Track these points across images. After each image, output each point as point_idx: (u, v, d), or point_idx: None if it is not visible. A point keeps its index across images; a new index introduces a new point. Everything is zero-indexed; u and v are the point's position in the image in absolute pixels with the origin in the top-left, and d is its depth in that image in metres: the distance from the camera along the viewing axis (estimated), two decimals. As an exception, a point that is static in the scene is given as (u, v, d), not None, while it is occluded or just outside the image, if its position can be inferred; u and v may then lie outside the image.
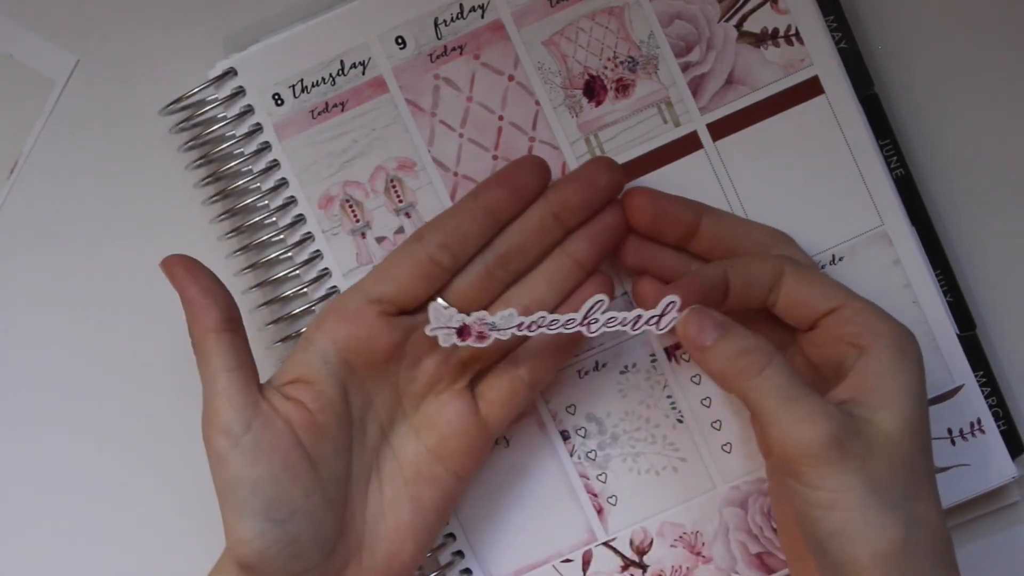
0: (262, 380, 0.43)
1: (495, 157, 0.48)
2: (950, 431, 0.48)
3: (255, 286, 0.48)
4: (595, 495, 0.48)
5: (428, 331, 0.42)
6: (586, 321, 0.42)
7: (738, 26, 0.47)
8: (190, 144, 0.48)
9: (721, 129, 0.48)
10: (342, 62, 0.47)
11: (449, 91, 0.47)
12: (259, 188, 0.48)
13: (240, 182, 0.48)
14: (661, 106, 0.48)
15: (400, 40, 0.47)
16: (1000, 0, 0.49)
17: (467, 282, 0.44)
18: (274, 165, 0.47)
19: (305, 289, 0.48)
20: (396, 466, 0.45)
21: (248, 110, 0.47)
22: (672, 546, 0.48)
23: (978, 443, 0.48)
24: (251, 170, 0.47)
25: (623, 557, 0.49)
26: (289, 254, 0.48)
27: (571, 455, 0.48)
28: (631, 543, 0.49)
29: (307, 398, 0.43)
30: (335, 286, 0.48)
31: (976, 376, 0.48)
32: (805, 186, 0.48)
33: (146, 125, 0.49)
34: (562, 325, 0.42)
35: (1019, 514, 0.50)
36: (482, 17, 0.47)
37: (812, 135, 0.47)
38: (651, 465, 0.48)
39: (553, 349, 0.45)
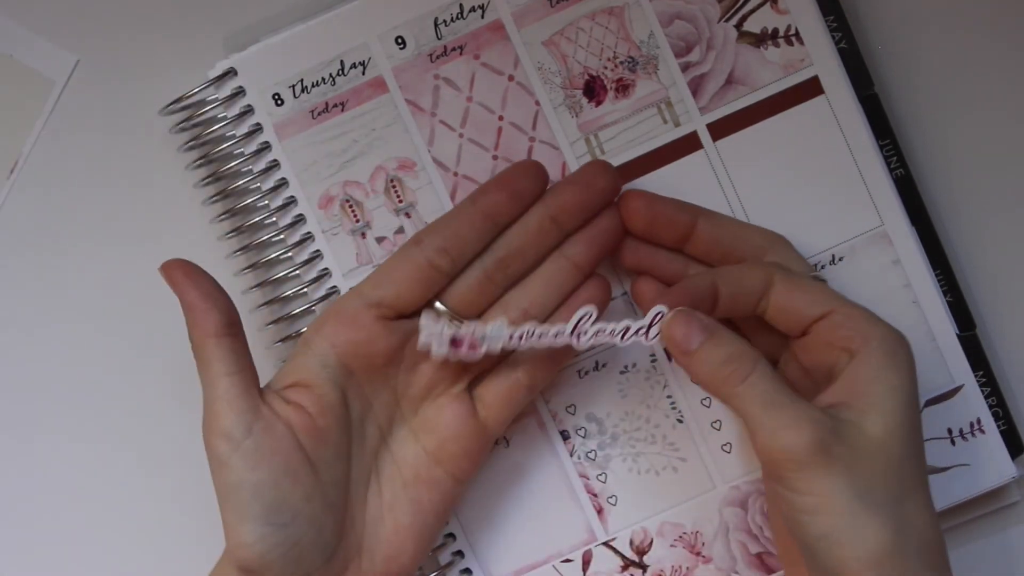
0: (262, 382, 0.43)
1: (495, 157, 0.48)
2: (950, 431, 0.48)
3: (255, 286, 0.48)
4: (595, 495, 0.48)
5: (420, 341, 0.42)
6: (575, 333, 0.42)
7: (738, 26, 0.47)
8: (190, 144, 0.48)
9: (721, 129, 0.48)
10: (342, 62, 0.47)
11: (449, 91, 0.47)
12: (259, 188, 0.48)
13: (240, 182, 0.48)
14: (661, 106, 0.48)
15: (400, 40, 0.47)
16: (1000, 0, 0.49)
17: (466, 286, 0.44)
18: (274, 165, 0.47)
19: (305, 289, 0.48)
20: (395, 469, 0.45)
21: (248, 110, 0.47)
22: (672, 546, 0.48)
23: (978, 443, 0.48)
24: (251, 170, 0.47)
25: (623, 557, 0.49)
26: (289, 254, 0.48)
27: (571, 455, 0.48)
28: (631, 543, 0.49)
29: (307, 402, 0.43)
30: (335, 286, 0.48)
31: (976, 376, 0.48)
32: (805, 186, 0.48)
33: (146, 125, 0.49)
34: (552, 336, 0.42)
35: (1019, 514, 0.50)
36: (482, 17, 0.47)
37: (812, 135, 0.47)
38: (651, 465, 0.48)
39: (551, 352, 0.45)
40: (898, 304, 0.48)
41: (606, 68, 0.48)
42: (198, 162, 0.48)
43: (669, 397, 0.48)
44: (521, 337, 0.42)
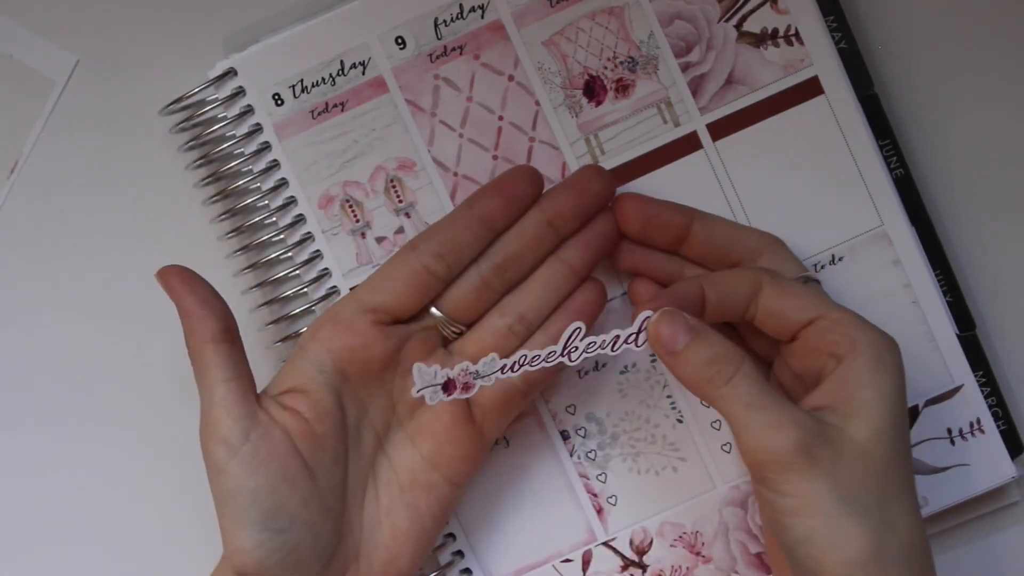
0: (262, 382, 0.43)
1: (495, 157, 0.48)
2: (950, 431, 0.48)
3: (255, 286, 0.48)
4: (595, 495, 0.48)
5: (414, 393, 0.42)
6: (566, 351, 0.42)
7: (738, 26, 0.47)
8: (190, 144, 0.48)
9: (721, 129, 0.48)
10: (342, 62, 0.47)
11: (449, 91, 0.47)
12: (259, 188, 0.48)
13: (240, 182, 0.48)
14: (661, 106, 0.48)
15: (400, 40, 0.47)
16: (1000, 0, 0.49)
17: (462, 291, 0.44)
18: (274, 165, 0.47)
19: (305, 289, 0.48)
20: (392, 474, 0.45)
21: (248, 110, 0.47)
22: (672, 546, 0.48)
23: (978, 443, 0.48)
24: (251, 170, 0.48)
25: (623, 557, 0.49)
26: (289, 254, 0.48)
27: (571, 455, 0.48)
28: (631, 543, 0.49)
29: (304, 407, 0.43)
30: (335, 286, 0.48)
31: (976, 376, 0.48)
32: (805, 186, 0.48)
33: (146, 125, 0.49)
34: (544, 359, 0.42)
35: (1019, 514, 0.50)
36: (482, 17, 0.47)
37: (812, 135, 0.47)
38: (651, 465, 0.48)
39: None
40: (898, 304, 0.48)
41: (606, 68, 0.48)
42: (198, 162, 0.48)
43: (669, 397, 0.48)
44: (514, 367, 0.42)
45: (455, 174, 0.48)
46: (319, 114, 0.47)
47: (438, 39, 0.47)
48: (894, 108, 0.49)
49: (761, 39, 0.47)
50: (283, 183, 0.47)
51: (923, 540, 0.40)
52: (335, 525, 0.43)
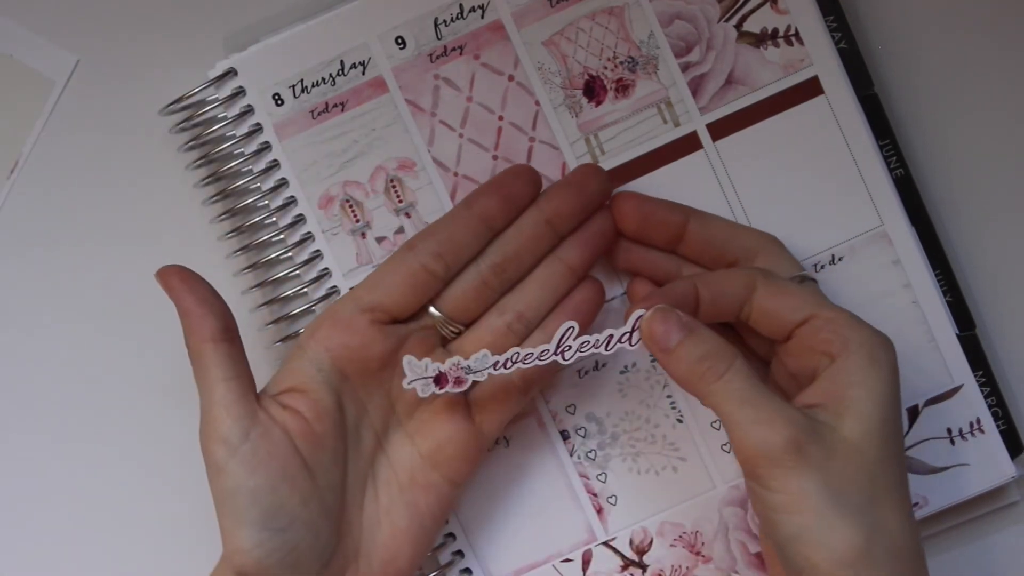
0: (262, 382, 0.43)
1: (495, 157, 0.48)
2: (950, 431, 0.48)
3: (255, 286, 0.48)
4: (595, 495, 0.48)
5: (405, 384, 0.42)
6: (559, 350, 0.42)
7: (738, 26, 0.47)
8: (190, 144, 0.48)
9: (721, 129, 0.48)
10: (342, 62, 0.47)
11: (449, 91, 0.47)
12: (259, 188, 0.48)
13: (240, 182, 0.48)
14: (661, 106, 0.48)
15: (400, 40, 0.47)
16: (1000, 0, 0.49)
17: (461, 290, 0.44)
18: (274, 165, 0.47)
19: (305, 289, 0.48)
20: (391, 473, 0.45)
21: (248, 110, 0.47)
22: (672, 546, 0.49)
23: (978, 443, 0.48)
24: (251, 170, 0.48)
25: (623, 557, 0.49)
26: (289, 254, 0.48)
27: (571, 455, 0.48)
28: (631, 543, 0.49)
29: (303, 407, 0.43)
30: (335, 286, 0.48)
31: (976, 376, 0.48)
32: (805, 186, 0.48)
33: (146, 125, 0.49)
34: (537, 357, 0.42)
35: (1019, 514, 0.51)
36: (482, 17, 0.47)
37: (812, 135, 0.47)
38: (651, 465, 0.48)
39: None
40: (898, 304, 0.48)
41: (606, 68, 0.48)
42: (198, 162, 0.48)
43: (669, 397, 0.48)
44: (506, 363, 0.42)
45: (455, 174, 0.48)
46: (319, 114, 0.47)
47: (438, 39, 0.47)
48: (894, 108, 0.49)
49: (761, 39, 0.47)
50: (283, 183, 0.47)
51: (915, 539, 0.40)
52: (334, 524, 0.43)
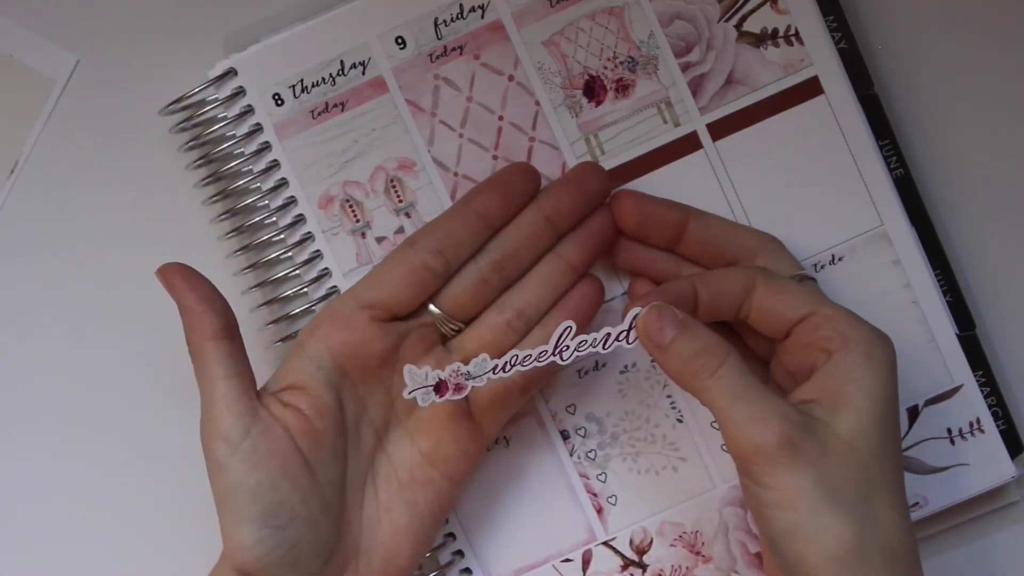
0: (261, 383, 0.43)
1: (495, 157, 0.48)
2: (949, 431, 0.48)
3: (255, 286, 0.48)
4: (595, 495, 0.48)
5: (406, 394, 0.42)
6: (557, 350, 0.42)
7: (738, 26, 0.47)
8: (190, 144, 0.48)
9: (721, 129, 0.48)
10: (342, 62, 0.47)
11: (449, 91, 0.47)
12: (259, 188, 0.48)
13: (240, 182, 0.48)
14: (661, 106, 0.48)
15: (400, 40, 0.47)
16: (1000, 1, 0.49)
17: (460, 288, 0.45)
18: (274, 165, 0.47)
19: (305, 289, 0.48)
20: (391, 471, 0.45)
21: (248, 110, 0.47)
22: (672, 545, 0.49)
23: (977, 443, 0.48)
24: (251, 170, 0.48)
25: (623, 557, 0.49)
26: (289, 254, 0.48)
27: (571, 455, 0.48)
28: (631, 543, 0.49)
29: (303, 404, 0.43)
30: (335, 286, 0.48)
31: (975, 376, 0.48)
32: (805, 186, 0.48)
33: (146, 125, 0.49)
34: (535, 359, 0.42)
35: (1019, 514, 0.51)
36: (482, 17, 0.47)
37: (812, 135, 0.47)
38: (651, 465, 0.48)
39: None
40: (898, 304, 0.48)
41: (606, 68, 0.48)
42: (198, 162, 0.48)
43: (669, 397, 0.48)
44: (505, 367, 0.42)
45: (455, 174, 0.48)
46: (319, 114, 0.47)
47: (438, 39, 0.47)
48: (894, 108, 0.49)
49: (761, 39, 0.47)
50: (283, 183, 0.47)
51: (909, 537, 0.40)
52: (335, 522, 0.43)
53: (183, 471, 0.46)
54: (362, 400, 0.44)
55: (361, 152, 0.48)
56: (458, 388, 0.42)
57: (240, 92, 0.47)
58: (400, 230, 0.48)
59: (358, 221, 0.48)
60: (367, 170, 0.48)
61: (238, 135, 0.47)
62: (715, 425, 0.48)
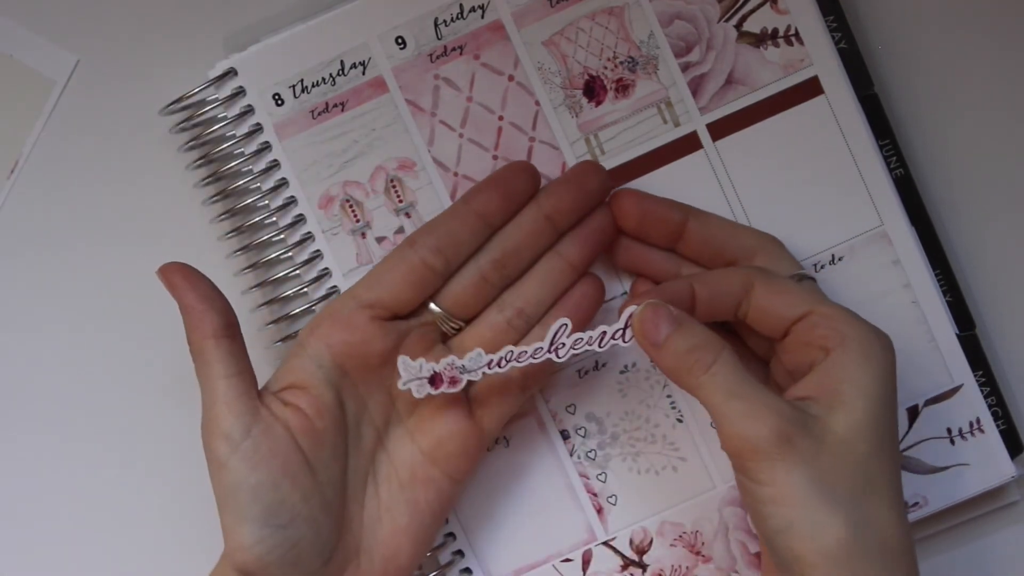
0: (260, 383, 0.43)
1: (495, 157, 0.48)
2: (949, 431, 0.48)
3: (255, 286, 0.48)
4: (595, 495, 0.49)
5: (400, 385, 0.42)
6: (553, 347, 0.42)
7: (738, 26, 0.47)
8: (190, 144, 0.48)
9: (721, 129, 0.48)
10: (342, 62, 0.47)
11: (449, 91, 0.47)
12: (259, 188, 0.48)
13: (240, 182, 0.48)
14: (661, 106, 0.48)
15: (400, 40, 0.47)
16: (1000, 1, 0.49)
17: (461, 286, 0.45)
18: (274, 165, 0.47)
19: (305, 289, 0.48)
20: (392, 470, 0.45)
21: (248, 110, 0.47)
22: (672, 545, 0.49)
23: (977, 442, 0.48)
24: (251, 170, 0.48)
25: (623, 556, 0.49)
26: (289, 254, 0.48)
27: (571, 455, 0.48)
28: (631, 542, 0.49)
29: (304, 403, 0.43)
30: (335, 286, 0.48)
31: (975, 376, 0.48)
32: (805, 186, 0.48)
33: (146, 125, 0.49)
34: (531, 355, 0.42)
35: (1019, 514, 0.51)
36: (482, 17, 0.47)
37: (812, 135, 0.48)
38: (651, 465, 0.48)
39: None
40: (898, 304, 0.48)
41: (606, 68, 0.48)
42: (198, 162, 0.48)
43: (669, 397, 0.48)
44: (501, 362, 0.42)
45: (455, 174, 0.48)
46: (319, 114, 0.47)
47: (438, 39, 0.47)
48: (894, 108, 0.49)
49: (761, 39, 0.47)
50: (283, 183, 0.47)
51: (905, 536, 0.40)
52: (335, 521, 0.43)
53: (183, 471, 0.46)
54: (363, 399, 0.44)
55: (361, 152, 0.48)
56: (453, 381, 0.42)
57: (240, 92, 0.47)
58: (400, 230, 0.48)
59: (358, 221, 0.48)
60: (367, 170, 0.48)
61: (238, 135, 0.47)
62: (715, 425, 0.48)
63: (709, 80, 0.47)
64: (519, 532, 0.48)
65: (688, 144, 0.48)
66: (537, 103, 0.48)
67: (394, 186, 0.48)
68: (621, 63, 0.48)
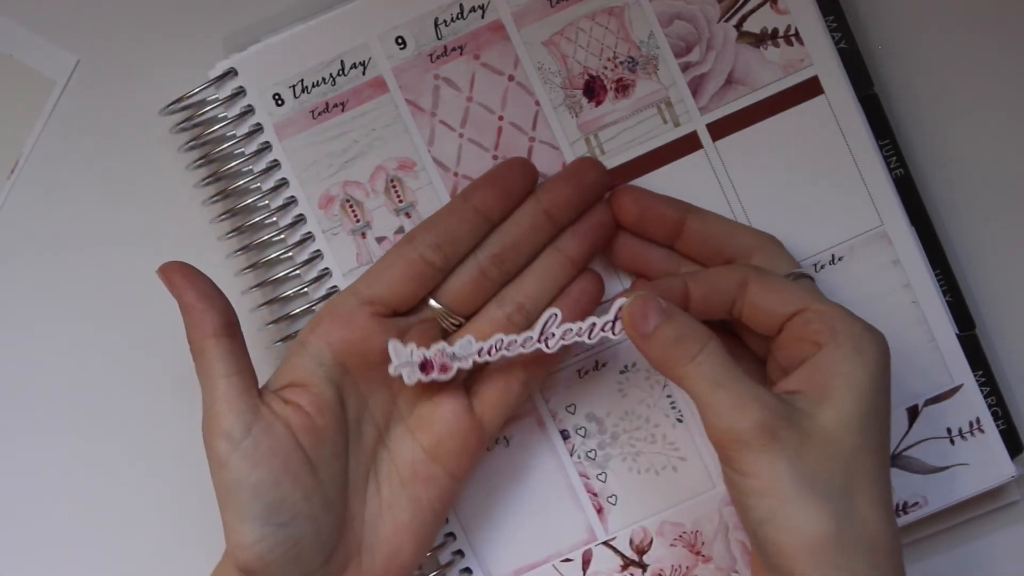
0: (260, 383, 0.43)
1: (495, 157, 0.48)
2: (949, 431, 0.48)
3: (255, 286, 0.48)
4: (595, 494, 0.49)
5: (391, 370, 0.42)
6: (543, 337, 0.42)
7: (738, 26, 0.47)
8: (191, 144, 0.48)
9: (721, 129, 0.48)
10: (342, 62, 0.47)
11: (449, 91, 0.48)
12: (259, 188, 0.48)
13: (240, 182, 0.48)
14: (661, 106, 0.48)
15: (400, 40, 0.47)
16: (1000, 1, 0.50)
17: (460, 282, 0.45)
18: (274, 165, 0.47)
19: (305, 289, 0.48)
20: (393, 467, 0.45)
21: (248, 110, 0.47)
22: (672, 545, 0.49)
23: (977, 442, 0.48)
24: (251, 170, 0.48)
25: (623, 556, 0.49)
26: (289, 254, 0.48)
27: (571, 454, 0.48)
28: (631, 542, 0.49)
29: (305, 401, 0.43)
30: (335, 286, 0.48)
31: (975, 376, 0.48)
32: (805, 186, 0.48)
33: (146, 125, 0.49)
34: (520, 344, 0.42)
35: (1019, 513, 0.51)
36: (482, 17, 0.47)
37: (812, 135, 0.48)
38: (651, 464, 0.49)
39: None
40: (898, 304, 0.48)
41: (606, 68, 0.48)
42: (198, 162, 0.48)
43: (669, 397, 0.48)
44: (491, 350, 0.42)
45: (455, 174, 0.48)
46: (319, 114, 0.47)
47: (438, 39, 0.47)
48: (894, 108, 0.49)
49: (761, 39, 0.47)
50: (283, 183, 0.47)
51: (891, 533, 0.40)
52: (337, 519, 0.43)
53: (184, 470, 0.46)
54: (363, 397, 0.44)
55: (361, 152, 0.48)
56: (443, 368, 0.42)
57: (240, 92, 0.47)
58: (400, 230, 0.48)
59: (358, 221, 0.48)
60: (367, 170, 0.48)
61: (238, 135, 0.47)
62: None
63: (709, 80, 0.47)
64: (519, 532, 0.49)
65: (688, 144, 0.48)
66: (537, 103, 0.48)
67: (394, 186, 0.48)
68: (621, 63, 0.48)
